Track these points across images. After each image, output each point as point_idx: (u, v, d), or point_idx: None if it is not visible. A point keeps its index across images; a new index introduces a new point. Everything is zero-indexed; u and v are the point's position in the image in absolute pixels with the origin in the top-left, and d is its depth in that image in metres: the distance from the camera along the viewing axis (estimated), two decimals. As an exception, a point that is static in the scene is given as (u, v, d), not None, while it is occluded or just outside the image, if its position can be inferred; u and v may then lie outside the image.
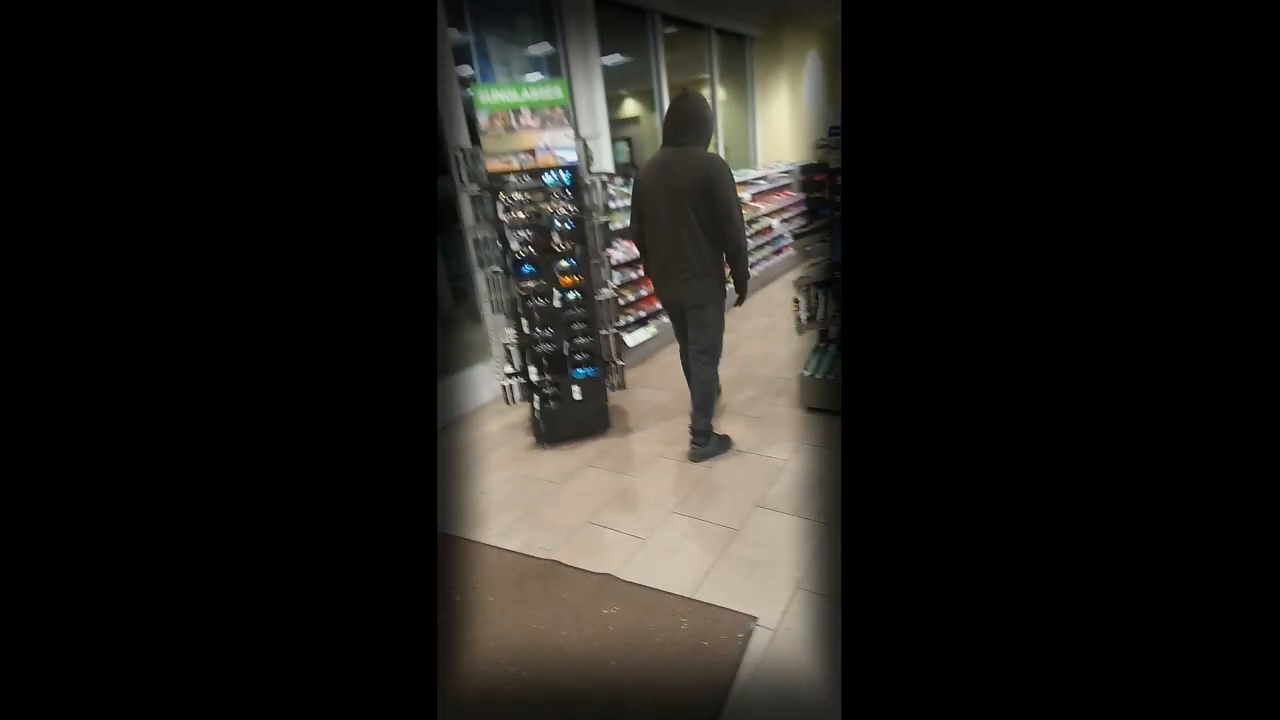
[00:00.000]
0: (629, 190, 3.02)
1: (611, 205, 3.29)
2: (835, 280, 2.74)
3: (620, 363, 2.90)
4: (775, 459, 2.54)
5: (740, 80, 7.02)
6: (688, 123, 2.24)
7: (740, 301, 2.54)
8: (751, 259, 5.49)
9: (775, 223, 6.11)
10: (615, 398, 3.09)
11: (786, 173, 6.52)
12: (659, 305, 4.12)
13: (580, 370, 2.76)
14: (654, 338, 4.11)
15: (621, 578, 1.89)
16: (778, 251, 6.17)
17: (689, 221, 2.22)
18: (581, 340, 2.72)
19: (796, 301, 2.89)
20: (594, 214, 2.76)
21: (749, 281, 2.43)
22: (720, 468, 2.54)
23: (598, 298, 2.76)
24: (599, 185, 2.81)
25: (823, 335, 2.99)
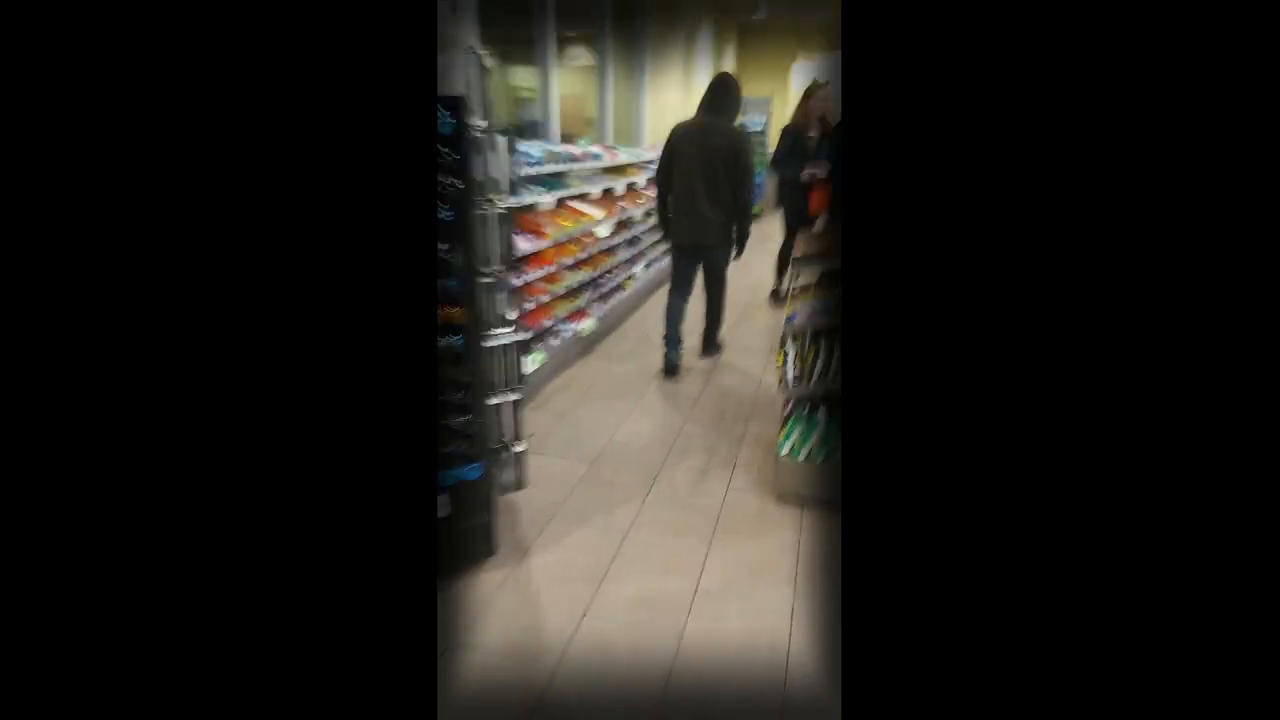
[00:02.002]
0: (544, 160, 3.04)
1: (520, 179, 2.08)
2: (838, 328, 1.89)
3: (518, 448, 1.75)
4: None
5: (629, 50, 5.98)
6: (725, 98, 2.90)
7: (739, 255, 3.12)
8: (645, 260, 4.59)
9: (670, 216, 5.25)
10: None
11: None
12: (548, 322, 3.04)
13: (453, 472, 1.57)
14: (542, 366, 2.98)
15: None
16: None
17: (718, 180, 2.82)
18: (456, 419, 1.53)
19: (784, 354, 2.01)
20: (491, 194, 1.55)
21: (744, 241, 3.07)
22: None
23: (488, 343, 1.58)
24: (497, 147, 1.59)
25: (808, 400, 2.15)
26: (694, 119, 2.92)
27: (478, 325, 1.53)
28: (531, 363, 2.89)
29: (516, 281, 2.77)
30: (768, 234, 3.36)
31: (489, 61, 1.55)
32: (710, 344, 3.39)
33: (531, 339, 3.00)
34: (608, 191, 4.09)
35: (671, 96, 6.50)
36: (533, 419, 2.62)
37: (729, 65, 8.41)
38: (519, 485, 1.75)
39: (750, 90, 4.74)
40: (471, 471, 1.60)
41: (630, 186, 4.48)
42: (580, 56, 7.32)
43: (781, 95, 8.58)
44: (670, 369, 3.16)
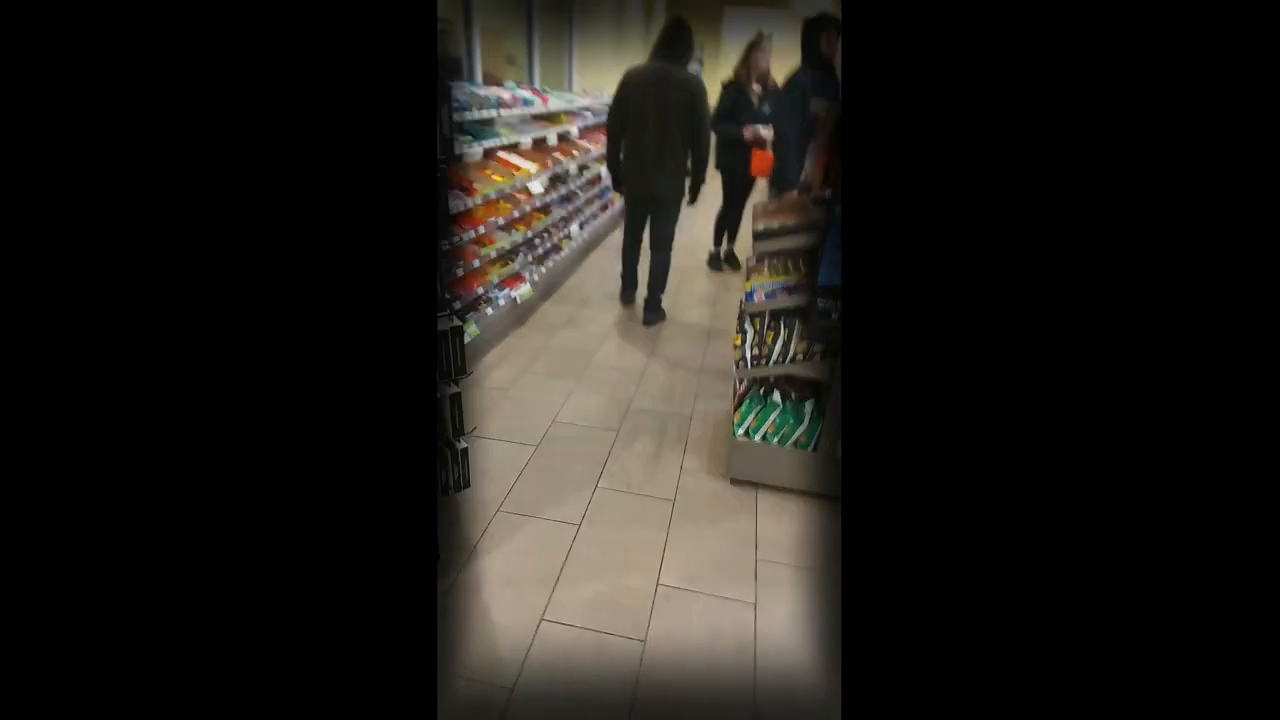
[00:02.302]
0: (470, 104, 2.74)
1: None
2: (811, 308, 1.81)
3: (461, 444, 1.55)
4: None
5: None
6: (679, 43, 2.81)
7: (693, 201, 3.15)
8: (579, 219, 4.32)
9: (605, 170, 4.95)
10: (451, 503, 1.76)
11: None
12: (481, 289, 2.80)
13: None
14: (476, 339, 2.72)
15: None
16: (604, 207, 5.05)
17: (671, 129, 2.81)
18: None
19: (742, 334, 1.90)
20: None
21: (699, 187, 3.11)
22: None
23: (440, 318, 1.35)
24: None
25: (762, 382, 2.07)
26: (647, 65, 2.88)
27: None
28: (465, 336, 2.63)
29: (445, 246, 2.49)
30: (704, 195, 3.21)
31: None
32: (653, 309, 3.30)
33: (464, 309, 2.73)
34: (539, 142, 3.76)
35: (601, 38, 6.07)
36: (469, 397, 2.40)
37: (658, 6, 7.94)
38: (463, 485, 1.57)
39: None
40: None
41: (563, 137, 4.14)
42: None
43: (711, 44, 8.27)
44: (627, 301, 3.51)
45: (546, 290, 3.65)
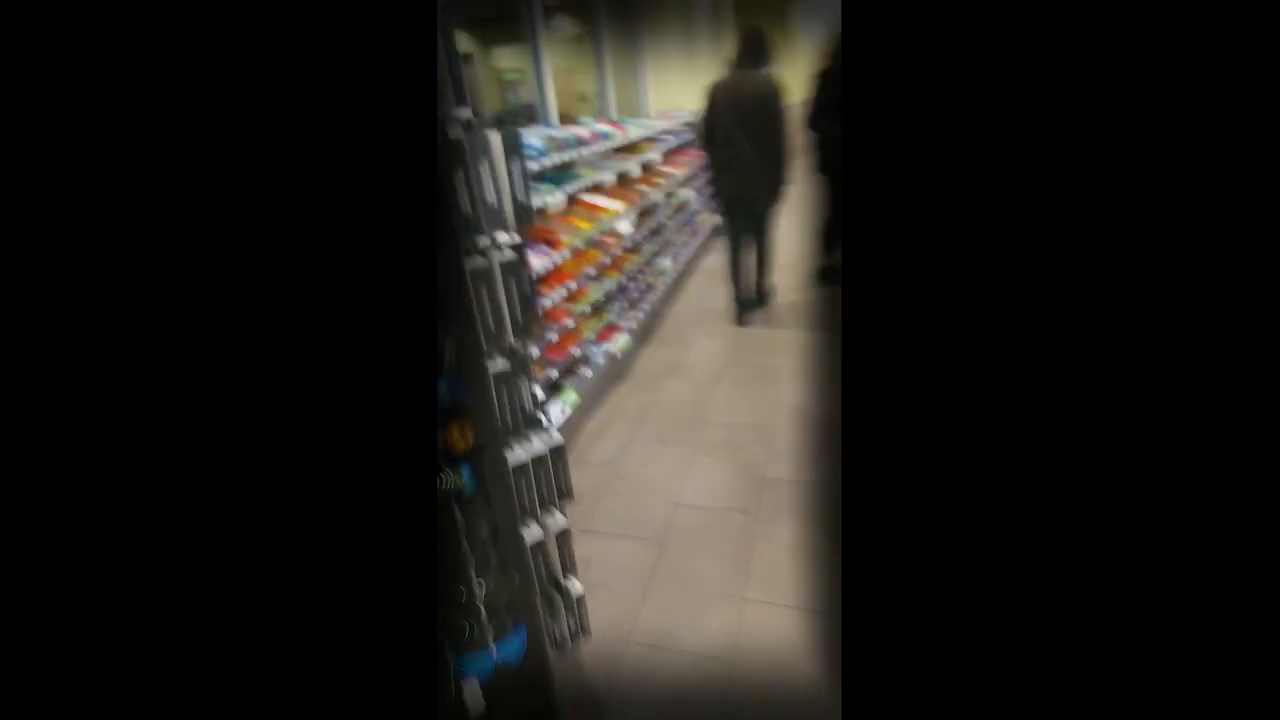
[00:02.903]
0: (549, 149, 2.52)
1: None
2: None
3: (574, 587, 1.20)
4: None
5: (621, 10, 5.26)
6: (755, 50, 2.98)
7: (777, 204, 3.16)
8: (670, 251, 4.00)
9: (691, 193, 4.60)
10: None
11: (688, 125, 4.98)
12: (576, 350, 2.51)
13: (482, 659, 1.03)
14: (576, 409, 2.43)
15: None
16: (693, 231, 4.69)
17: (754, 131, 2.94)
18: (476, 588, 0.98)
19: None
20: (489, 227, 0.98)
21: (786, 187, 3.09)
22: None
23: (514, 460, 1.02)
24: (491, 151, 1.01)
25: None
26: (728, 74, 3.00)
27: (494, 439, 0.98)
28: (563, 407, 2.34)
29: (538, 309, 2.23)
30: (797, 202, 2.79)
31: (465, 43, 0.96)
32: (761, 293, 3.41)
33: (560, 375, 2.45)
34: (623, 177, 3.48)
35: (671, 56, 5.78)
36: (576, 478, 2.09)
37: (726, 8, 7.56)
38: (580, 634, 1.22)
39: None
40: (510, 648, 1.06)
41: (646, 166, 3.85)
42: (565, 26, 6.58)
43: (787, 41, 7.74)
44: (743, 321, 3.41)
45: (644, 334, 3.33)
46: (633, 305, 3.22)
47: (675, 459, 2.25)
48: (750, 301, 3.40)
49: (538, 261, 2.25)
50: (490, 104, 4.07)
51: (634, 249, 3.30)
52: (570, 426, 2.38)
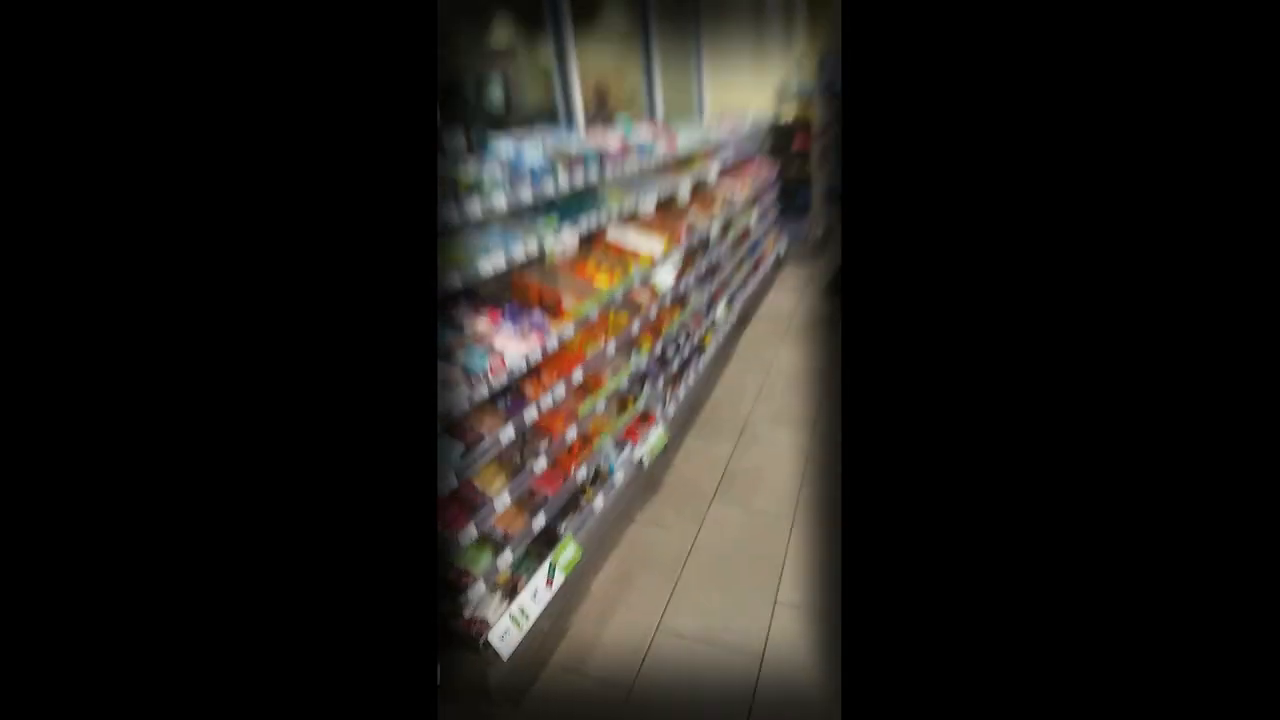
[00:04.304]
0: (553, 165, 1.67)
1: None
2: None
3: None
4: None
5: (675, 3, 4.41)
6: None
7: None
8: (727, 294, 3.14)
9: (753, 216, 3.70)
10: None
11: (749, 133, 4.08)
12: (581, 472, 1.68)
13: None
14: (581, 558, 1.58)
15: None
16: (756, 265, 3.79)
17: None
18: None
19: None
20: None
21: None
22: None
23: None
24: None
25: None
26: None
27: None
28: (563, 568, 1.51)
29: (514, 430, 1.39)
30: None
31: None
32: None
33: (553, 519, 1.61)
34: (666, 204, 2.62)
35: (735, 49, 4.90)
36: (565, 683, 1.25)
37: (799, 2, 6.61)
38: None
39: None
40: None
41: (699, 186, 2.98)
42: (617, 22, 5.80)
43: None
44: None
45: (685, 419, 2.45)
46: (673, 382, 2.36)
47: (738, 668, 1.37)
48: None
49: (521, 346, 1.43)
50: (534, 99, 3.33)
51: (679, 302, 2.44)
52: (568, 589, 1.54)
